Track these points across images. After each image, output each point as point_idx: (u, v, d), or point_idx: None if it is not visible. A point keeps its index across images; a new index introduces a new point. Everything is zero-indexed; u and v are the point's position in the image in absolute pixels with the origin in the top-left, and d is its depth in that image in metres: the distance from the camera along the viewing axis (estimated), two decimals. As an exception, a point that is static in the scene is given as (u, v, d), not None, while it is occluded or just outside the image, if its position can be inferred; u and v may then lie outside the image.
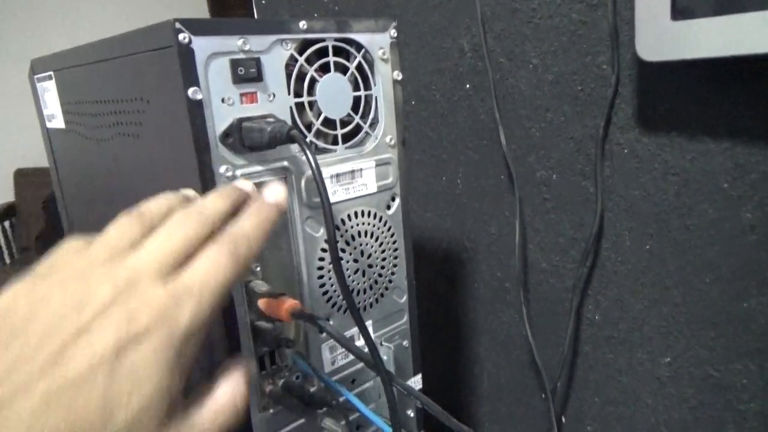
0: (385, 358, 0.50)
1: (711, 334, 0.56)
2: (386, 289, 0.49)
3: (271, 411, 0.43)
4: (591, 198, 0.61)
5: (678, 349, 0.59)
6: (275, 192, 0.32)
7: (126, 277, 0.24)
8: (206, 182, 0.37)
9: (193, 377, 0.25)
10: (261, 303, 0.39)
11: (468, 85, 0.69)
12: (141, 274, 0.24)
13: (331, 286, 0.44)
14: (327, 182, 0.43)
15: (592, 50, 0.57)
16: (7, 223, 2.53)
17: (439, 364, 0.80)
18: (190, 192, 0.32)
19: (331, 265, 0.44)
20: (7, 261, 2.49)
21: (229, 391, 0.27)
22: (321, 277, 0.44)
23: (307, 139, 0.42)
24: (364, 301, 0.47)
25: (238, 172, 0.38)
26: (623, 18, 0.54)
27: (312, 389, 0.42)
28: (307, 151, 0.35)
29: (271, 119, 0.38)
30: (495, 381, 0.76)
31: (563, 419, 0.70)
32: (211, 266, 0.25)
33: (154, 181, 0.42)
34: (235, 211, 0.29)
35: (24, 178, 2.54)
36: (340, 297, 0.45)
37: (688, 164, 0.54)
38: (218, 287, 0.25)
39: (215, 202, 0.28)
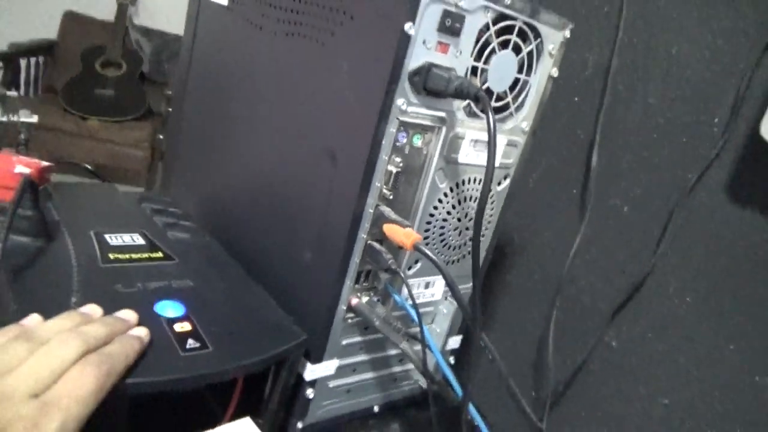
0: (444, 311, 0.54)
1: (715, 393, 0.61)
2: (469, 253, 0.53)
3: (350, 321, 0.47)
4: (653, 238, 0.65)
5: (679, 395, 0.64)
6: (139, 330, 0.37)
7: (3, 393, 0.29)
8: (384, 109, 0.40)
9: None
10: (387, 227, 0.43)
11: (577, 98, 0.73)
12: (16, 392, 0.29)
13: (432, 233, 0.48)
14: (465, 144, 0.47)
15: (711, 110, 0.61)
16: (41, 59, 2.51)
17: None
18: (91, 308, 0.38)
19: (440, 214, 0.48)
20: (23, 92, 2.46)
21: None
22: (428, 222, 0.48)
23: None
24: (452, 256, 0.52)
25: (410, 109, 0.42)
26: (752, 94, 0.58)
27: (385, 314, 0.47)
28: (490, 115, 0.39)
29: (454, 73, 0.42)
30: (496, 368, 0.81)
31: (545, 418, 0.75)
32: (77, 381, 0.31)
33: (316, 93, 0.46)
34: (111, 337, 0.35)
35: (72, 21, 2.51)
36: (435, 246, 0.49)
37: (757, 244, 0.58)
38: (83, 398, 0.30)
39: (97, 329, 0.35)
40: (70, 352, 0.32)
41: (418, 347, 0.46)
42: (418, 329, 0.49)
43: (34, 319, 0.35)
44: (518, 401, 0.50)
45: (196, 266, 0.49)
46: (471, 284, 0.56)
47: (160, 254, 0.49)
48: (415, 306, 0.44)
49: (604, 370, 0.71)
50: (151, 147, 2.23)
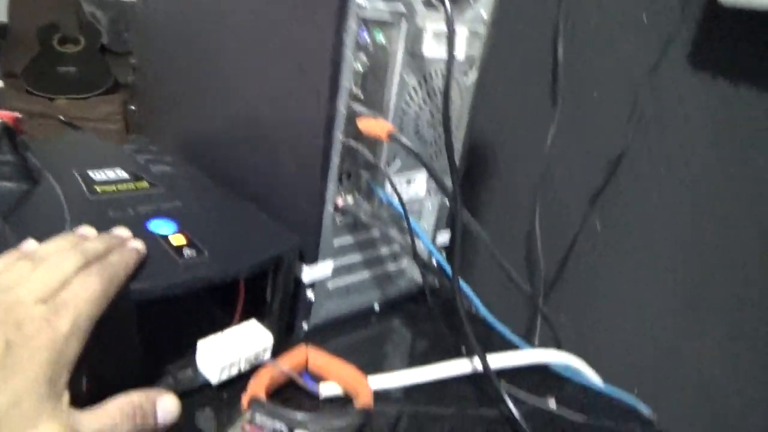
0: (429, 207, 0.56)
1: (699, 253, 0.64)
2: (455, 166, 0.55)
3: (339, 221, 0.49)
4: (624, 119, 0.67)
5: (666, 262, 0.67)
6: (135, 242, 0.39)
7: (13, 301, 0.31)
8: (343, 5, 0.41)
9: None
10: (361, 122, 0.44)
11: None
12: (26, 299, 0.31)
13: (407, 129, 0.50)
14: (428, 37, 0.48)
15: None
16: (-5, 45, 2.44)
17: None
18: (86, 230, 0.40)
19: (412, 109, 0.49)
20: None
21: (118, 404, 0.32)
22: (402, 119, 0.49)
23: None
24: (429, 151, 0.53)
25: (369, 4, 0.42)
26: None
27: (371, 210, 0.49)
28: (447, 3, 0.39)
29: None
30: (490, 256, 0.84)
31: (543, 304, 0.79)
32: (83, 285, 0.33)
33: (276, 4, 0.46)
34: (108, 251, 0.37)
35: (21, 0, 2.42)
36: (411, 142, 0.50)
37: (733, 112, 0.60)
38: (91, 300, 0.32)
39: (95, 244, 0.36)
40: (71, 263, 0.34)
41: (406, 236, 0.48)
42: (405, 223, 0.51)
43: (31, 244, 0.37)
44: (515, 284, 0.53)
45: (183, 191, 0.51)
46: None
47: (145, 184, 0.50)
48: (397, 193, 0.46)
49: (592, 251, 0.74)
50: (124, 119, 2.20)
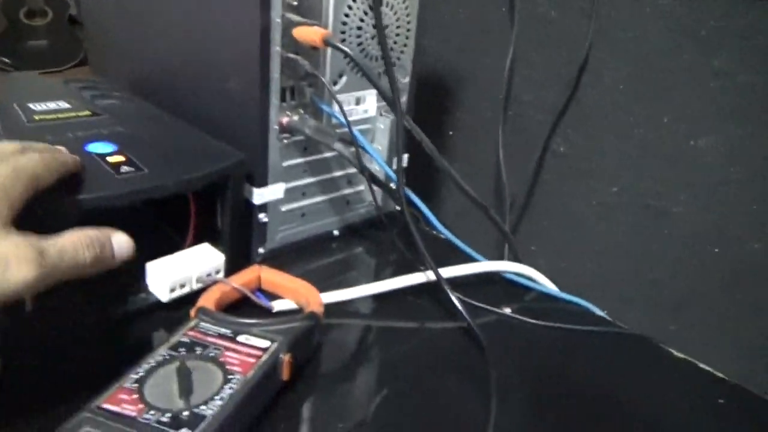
0: (381, 126, 0.56)
1: (660, 166, 0.64)
2: (393, 65, 0.54)
3: (285, 141, 0.49)
4: (582, 36, 0.66)
5: (627, 179, 0.67)
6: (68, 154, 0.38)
7: None
8: None
9: None
10: (296, 31, 0.43)
11: None
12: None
13: (350, 43, 0.49)
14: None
15: None
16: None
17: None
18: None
19: (353, 22, 0.48)
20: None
21: (77, 233, 0.33)
22: (343, 32, 0.48)
23: None
24: (377, 68, 0.52)
25: None
26: None
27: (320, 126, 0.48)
28: None
29: None
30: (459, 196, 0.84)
31: (513, 236, 0.79)
32: (24, 157, 0.33)
33: None
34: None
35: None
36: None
37: (677, 17, 0.59)
38: (29, 167, 0.32)
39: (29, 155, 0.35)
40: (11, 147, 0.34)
41: (353, 149, 0.48)
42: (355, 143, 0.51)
43: None
44: (473, 201, 0.53)
45: (127, 119, 0.50)
46: (404, 99, 0.57)
47: (87, 112, 0.50)
48: (339, 106, 0.45)
49: (557, 174, 0.73)
50: (100, 91, 2.17)
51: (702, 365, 0.47)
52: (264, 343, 0.36)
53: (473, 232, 0.61)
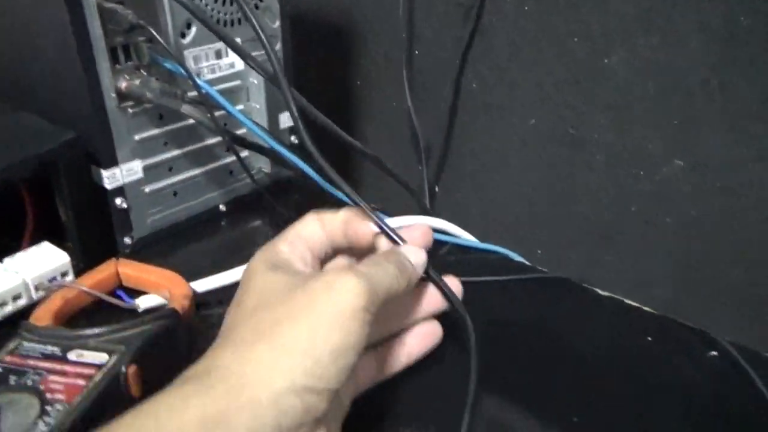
0: (255, 82, 0.49)
1: (574, 90, 0.59)
2: (256, 7, 0.46)
3: (130, 110, 0.41)
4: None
5: (544, 110, 0.62)
6: None
7: None
8: None
9: None
10: (109, -27, 0.36)
11: None
12: None
13: (194, -16, 0.41)
14: None
15: None
16: None
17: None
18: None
19: (192, -42, 0.40)
20: None
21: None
22: (182, -28, 0.40)
23: None
24: (232, 14, 0.45)
25: None
26: None
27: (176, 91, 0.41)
28: None
29: None
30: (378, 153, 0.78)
31: (436, 189, 0.74)
32: None
33: None
34: None
35: None
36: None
37: None
38: None
39: None
40: None
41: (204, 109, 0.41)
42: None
43: None
44: (373, 161, 0.47)
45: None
46: (278, 47, 0.49)
47: None
48: (180, 63, 0.38)
49: (474, 116, 0.68)
50: None
51: (628, 301, 0.43)
52: (101, 357, 0.30)
53: (387, 193, 0.56)
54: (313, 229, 0.30)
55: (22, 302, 0.36)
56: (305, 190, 0.54)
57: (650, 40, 0.53)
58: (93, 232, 0.42)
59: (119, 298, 0.38)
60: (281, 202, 0.51)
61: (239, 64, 0.47)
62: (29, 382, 0.28)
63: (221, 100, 0.40)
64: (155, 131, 0.43)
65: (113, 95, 0.40)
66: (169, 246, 0.46)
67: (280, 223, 0.51)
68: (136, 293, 0.39)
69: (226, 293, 0.41)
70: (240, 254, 0.43)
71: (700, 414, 0.33)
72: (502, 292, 0.43)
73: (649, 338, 0.39)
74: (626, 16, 0.53)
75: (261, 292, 0.26)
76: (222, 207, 0.50)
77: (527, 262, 0.48)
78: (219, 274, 0.41)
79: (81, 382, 0.28)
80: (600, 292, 0.44)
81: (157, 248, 0.46)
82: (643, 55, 0.53)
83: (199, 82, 0.40)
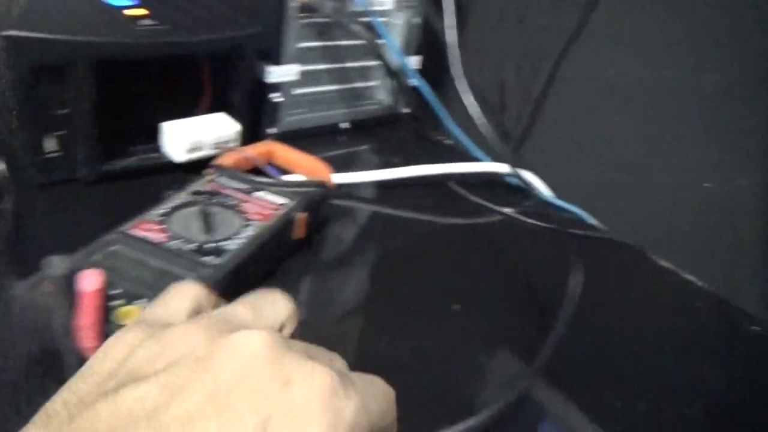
0: (398, 22, 0.55)
1: (660, 92, 0.65)
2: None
3: (303, 21, 0.48)
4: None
5: (636, 106, 0.68)
6: None
7: None
8: None
9: None
10: None
11: None
12: None
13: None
14: None
15: None
16: None
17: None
18: None
19: None
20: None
21: None
22: None
23: None
24: (399, -42, 0.52)
25: None
26: None
27: None
28: None
29: None
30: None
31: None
32: None
33: None
34: None
35: None
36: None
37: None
38: None
39: None
40: None
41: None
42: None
43: None
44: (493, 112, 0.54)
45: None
46: None
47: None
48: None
49: (562, 97, 0.74)
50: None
51: (686, 275, 0.50)
52: (280, 200, 0.37)
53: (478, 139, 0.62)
54: None
55: (200, 153, 0.44)
56: (410, 127, 0.61)
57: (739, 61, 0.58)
58: (249, 117, 0.49)
59: (268, 170, 0.45)
60: (391, 131, 0.59)
61: (389, 4, 0.54)
62: (230, 203, 0.36)
63: (384, 31, 0.47)
64: (315, 43, 0.51)
65: (294, 4, 0.47)
66: (298, 146, 0.53)
67: (383, 149, 0.59)
68: (279, 171, 0.46)
69: (348, 189, 0.48)
70: (351, 169, 0.50)
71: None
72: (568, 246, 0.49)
73: (698, 304, 0.46)
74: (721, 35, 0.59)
75: None
76: (343, 125, 0.58)
77: (600, 225, 0.54)
78: (351, 172, 0.48)
79: (267, 212, 0.36)
80: (660, 262, 0.50)
81: (288, 144, 0.53)
82: (734, 76, 0.59)
83: (368, 9, 0.47)
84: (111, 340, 0.19)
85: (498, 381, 0.33)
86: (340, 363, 0.22)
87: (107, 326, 0.25)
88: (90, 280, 0.25)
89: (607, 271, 0.48)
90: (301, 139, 0.54)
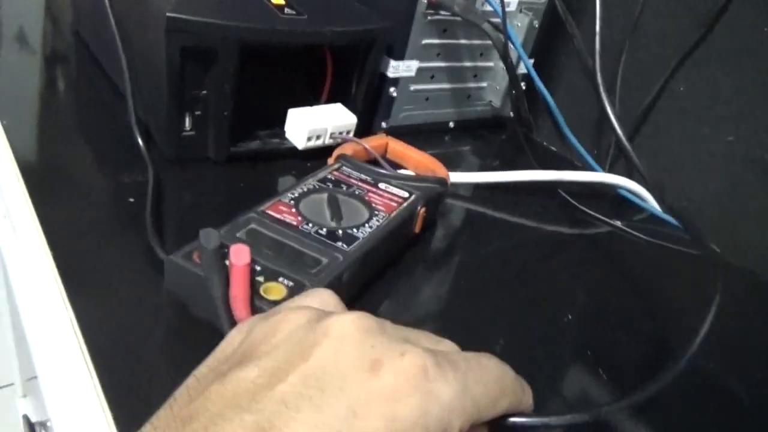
0: (518, 24, 0.55)
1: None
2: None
3: (429, 18, 0.49)
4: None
5: (744, 131, 0.65)
6: None
7: None
8: None
9: None
10: None
11: None
12: None
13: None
14: None
15: None
16: None
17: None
18: None
19: None
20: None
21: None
22: None
23: None
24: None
25: None
26: None
27: None
28: None
29: None
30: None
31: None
32: None
33: None
34: None
35: None
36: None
37: None
38: None
39: None
40: None
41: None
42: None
43: None
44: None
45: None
46: (544, 0, 0.55)
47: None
48: (496, -13, 0.45)
49: (669, 115, 0.71)
50: None
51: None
52: (403, 194, 0.38)
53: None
54: None
55: (319, 142, 0.45)
56: (516, 131, 0.61)
57: None
58: (365, 109, 0.50)
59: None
60: (495, 134, 0.58)
61: (513, 5, 0.54)
62: (357, 192, 0.37)
63: (513, 33, 0.47)
64: (436, 41, 0.51)
65: (425, 1, 0.47)
66: (408, 141, 0.54)
67: (488, 150, 0.59)
68: (393, 165, 0.47)
69: (456, 188, 0.48)
70: (457, 168, 0.50)
71: None
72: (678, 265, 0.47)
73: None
74: None
75: None
76: (451, 124, 0.58)
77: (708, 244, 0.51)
78: (465, 172, 0.48)
79: (393, 204, 0.36)
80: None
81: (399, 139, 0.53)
82: None
83: (498, 9, 0.47)
84: (235, 328, 0.21)
85: (601, 399, 0.33)
86: (448, 346, 0.22)
87: (255, 300, 0.26)
88: (241, 254, 0.26)
89: (732, 301, 0.46)
90: (409, 134, 0.55)
